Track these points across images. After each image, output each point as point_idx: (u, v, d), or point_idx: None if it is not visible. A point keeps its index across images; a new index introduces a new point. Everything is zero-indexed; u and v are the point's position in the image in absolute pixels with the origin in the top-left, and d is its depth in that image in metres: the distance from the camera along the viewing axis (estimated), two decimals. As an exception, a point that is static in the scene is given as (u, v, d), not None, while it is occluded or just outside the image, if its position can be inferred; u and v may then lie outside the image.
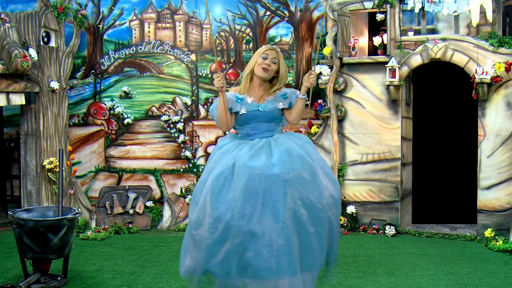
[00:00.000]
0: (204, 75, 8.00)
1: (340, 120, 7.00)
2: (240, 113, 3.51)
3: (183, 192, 7.75)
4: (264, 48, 3.55)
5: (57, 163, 7.06)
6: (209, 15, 3.58)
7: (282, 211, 3.14)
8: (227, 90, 3.56)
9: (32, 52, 6.90)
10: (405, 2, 6.71)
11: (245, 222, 3.12)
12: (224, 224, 3.15)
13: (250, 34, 7.94)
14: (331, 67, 6.97)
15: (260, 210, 3.14)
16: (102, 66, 8.16)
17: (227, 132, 3.70)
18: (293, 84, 7.76)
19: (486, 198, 6.45)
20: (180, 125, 8.00)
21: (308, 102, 3.68)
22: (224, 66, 7.96)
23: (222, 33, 7.97)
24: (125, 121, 8.09)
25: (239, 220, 3.12)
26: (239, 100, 3.53)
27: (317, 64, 7.27)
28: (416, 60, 6.68)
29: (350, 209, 6.86)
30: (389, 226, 6.69)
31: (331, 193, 3.34)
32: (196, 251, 3.25)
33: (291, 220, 3.16)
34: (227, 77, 7.88)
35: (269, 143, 3.42)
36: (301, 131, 7.24)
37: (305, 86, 3.55)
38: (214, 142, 7.99)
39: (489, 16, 6.29)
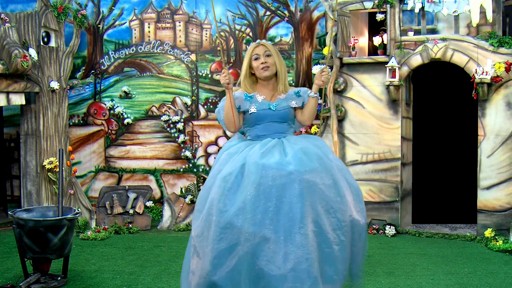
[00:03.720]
0: (204, 75, 8.00)
1: (340, 120, 7.00)
2: (250, 112, 3.20)
3: (183, 192, 7.74)
4: (251, 49, 3.30)
5: (57, 163, 7.06)
6: (214, 14, 3.44)
7: (299, 213, 2.79)
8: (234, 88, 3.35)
9: (32, 52, 6.90)
10: (405, 2, 6.71)
11: (256, 226, 2.77)
12: (232, 229, 2.80)
13: (250, 34, 7.94)
14: (331, 67, 6.97)
15: (274, 212, 2.80)
16: (102, 66, 8.16)
17: (230, 134, 3.52)
18: (293, 84, 7.76)
19: (486, 198, 6.45)
20: (180, 125, 8.00)
21: (320, 101, 3.44)
22: (224, 66, 7.96)
23: (222, 33, 7.97)
24: (125, 121, 8.09)
25: (250, 224, 2.77)
26: (249, 98, 3.23)
27: (316, 64, 7.28)
28: (416, 60, 6.68)
29: (350, 209, 6.85)
30: (389, 226, 6.69)
31: (353, 198, 3.05)
32: (200, 262, 2.90)
33: (310, 224, 2.81)
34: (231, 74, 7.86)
35: (281, 142, 3.12)
36: (301, 131, 7.23)
37: (317, 84, 3.27)
38: (214, 142, 7.99)
39: (489, 16, 6.29)
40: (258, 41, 3.36)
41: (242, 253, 2.78)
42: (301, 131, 7.14)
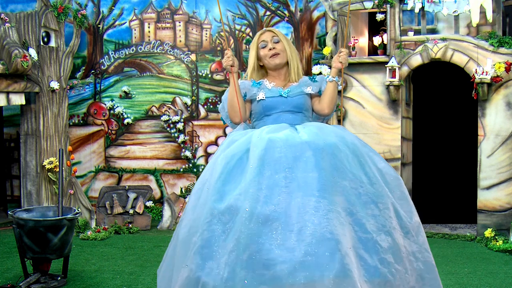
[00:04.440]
0: (204, 75, 8.00)
1: (340, 120, 6.99)
2: (258, 99, 2.74)
3: (183, 192, 7.75)
4: (257, 36, 2.94)
5: (57, 163, 7.06)
6: (208, 15, 3.37)
7: (316, 182, 2.21)
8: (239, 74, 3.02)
9: (32, 52, 6.90)
10: (405, 2, 6.71)
11: (260, 204, 2.18)
12: (229, 208, 2.24)
13: (250, 34, 7.94)
14: (331, 67, 6.95)
15: (284, 186, 2.22)
16: (102, 66, 8.16)
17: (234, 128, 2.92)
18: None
19: (486, 198, 6.45)
20: (180, 125, 8.00)
21: (341, 87, 2.96)
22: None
23: (222, 33, 7.97)
24: (125, 121, 8.09)
25: (253, 202, 2.19)
26: (257, 84, 2.81)
27: (316, 64, 7.27)
28: (416, 60, 6.68)
29: (350, 209, 6.85)
30: (389, 226, 6.68)
31: (391, 173, 2.51)
32: (189, 257, 2.30)
33: (336, 196, 2.20)
34: (227, 77, 7.88)
35: (294, 126, 2.64)
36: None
37: (335, 67, 2.89)
38: (214, 142, 7.99)
39: (489, 16, 6.29)
40: (264, 28, 3.02)
41: (241, 239, 2.16)
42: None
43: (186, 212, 2.53)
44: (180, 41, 8.07)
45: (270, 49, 2.84)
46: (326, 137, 2.42)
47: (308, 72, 7.68)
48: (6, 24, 6.82)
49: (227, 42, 3.39)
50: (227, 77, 7.88)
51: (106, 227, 6.77)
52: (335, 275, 2.02)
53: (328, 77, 2.88)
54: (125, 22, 8.14)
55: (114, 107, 8.12)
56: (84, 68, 8.19)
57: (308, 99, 2.82)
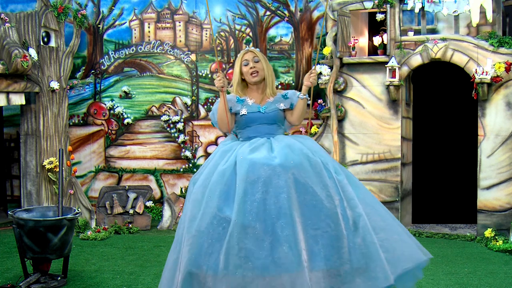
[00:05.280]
0: (204, 75, 8.00)
1: (340, 120, 7.00)
2: (241, 114, 3.42)
3: (183, 192, 7.75)
4: (241, 56, 3.50)
5: (57, 163, 7.06)
6: (209, 14, 3.54)
7: (285, 203, 2.97)
8: (228, 92, 3.51)
9: (32, 52, 6.90)
10: (405, 2, 6.71)
11: (245, 216, 2.95)
12: (225, 219, 3.00)
13: (250, 34, 7.94)
14: (331, 67, 6.97)
15: (260, 202, 2.98)
16: (102, 66, 8.16)
17: (227, 134, 3.61)
18: (293, 84, 7.76)
19: (486, 198, 6.45)
20: (180, 125, 8.00)
21: (309, 102, 3.58)
22: (224, 66, 7.97)
23: (222, 33, 7.98)
24: (125, 121, 8.09)
25: (239, 214, 2.95)
26: (240, 101, 3.45)
27: (317, 64, 7.27)
28: (416, 60, 6.68)
29: (350, 209, 6.85)
30: (389, 226, 6.68)
31: (336, 191, 3.14)
32: (192, 249, 3.01)
33: (295, 212, 2.97)
34: (227, 77, 7.88)
35: (270, 141, 3.34)
36: (301, 131, 7.24)
37: (306, 85, 3.46)
38: (214, 142, 7.99)
39: (489, 16, 6.30)
40: (247, 48, 3.55)
41: (232, 241, 2.92)
42: (301, 131, 7.15)
43: (190, 215, 3.16)
44: (180, 41, 8.07)
45: (251, 68, 3.44)
46: (294, 157, 3.12)
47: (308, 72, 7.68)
48: (6, 24, 6.83)
49: (219, 66, 3.85)
50: (226, 76, 7.89)
51: (106, 227, 6.77)
52: (294, 271, 2.87)
53: (299, 94, 3.48)
54: (125, 22, 8.14)
55: (114, 107, 8.12)
56: (84, 68, 8.19)
57: (281, 113, 3.48)
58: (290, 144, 3.24)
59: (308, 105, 3.58)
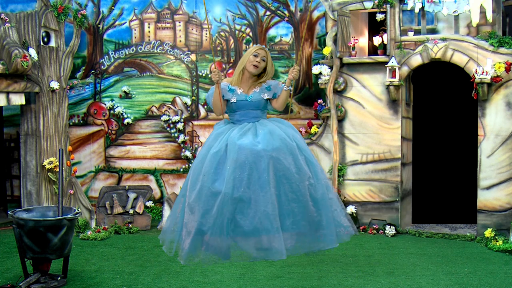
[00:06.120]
0: (204, 75, 8.00)
1: (340, 120, 7.00)
2: (231, 101, 4.06)
3: (183, 192, 7.73)
4: (255, 48, 4.06)
5: (57, 163, 7.06)
6: (208, 15, 3.70)
7: (266, 181, 3.68)
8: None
9: (32, 52, 6.90)
10: (405, 2, 6.71)
11: (235, 191, 3.65)
12: (218, 194, 3.66)
13: (250, 34, 7.94)
14: (331, 67, 6.97)
15: (247, 180, 3.68)
16: (102, 66, 8.16)
17: (221, 117, 4.19)
18: (293, 83, 7.74)
19: (486, 198, 6.45)
20: (180, 125, 8.00)
21: (291, 92, 4.25)
22: (224, 66, 7.97)
23: (222, 33, 7.98)
24: (125, 121, 8.09)
25: (230, 189, 3.65)
26: (231, 91, 4.08)
27: (316, 64, 7.27)
28: (416, 60, 6.68)
29: (350, 209, 6.86)
30: (389, 226, 6.69)
31: (309, 169, 3.84)
32: (193, 216, 3.73)
33: (273, 188, 3.69)
34: (227, 77, 7.87)
35: (255, 126, 3.99)
36: (301, 131, 7.24)
37: (289, 78, 4.10)
38: (214, 142, 7.99)
39: (489, 16, 6.30)
40: (263, 46, 4.15)
41: (225, 210, 3.64)
42: (301, 131, 7.15)
43: (191, 187, 3.89)
44: (180, 41, 8.07)
45: (256, 61, 4.04)
46: (274, 142, 3.81)
47: (308, 72, 7.69)
48: (6, 24, 6.83)
49: (218, 67, 4.14)
50: (226, 76, 7.89)
51: (106, 227, 6.77)
52: (272, 233, 3.64)
53: (283, 85, 4.14)
54: (125, 22, 8.14)
55: (114, 107, 8.12)
56: (84, 68, 8.19)
57: (264, 101, 4.12)
58: (272, 130, 3.91)
59: (290, 94, 4.22)
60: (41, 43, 7.12)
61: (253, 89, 4.12)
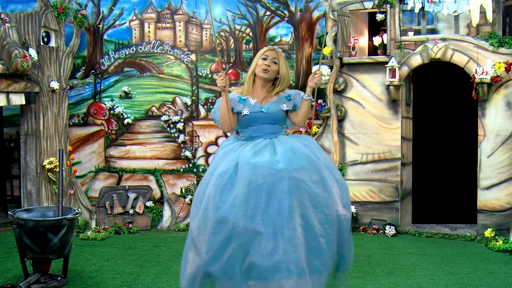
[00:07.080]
0: (204, 75, 8.00)
1: (340, 120, 7.00)
2: (243, 114, 3.39)
3: (183, 192, 7.74)
4: (264, 49, 3.48)
5: (57, 163, 7.06)
6: (210, 14, 3.54)
7: (288, 208, 2.99)
8: (229, 91, 3.46)
9: (32, 52, 6.90)
10: (405, 2, 6.71)
11: (248, 221, 2.96)
12: (226, 223, 2.99)
13: (250, 34, 7.94)
14: (331, 67, 6.97)
15: (264, 207, 2.98)
16: (102, 66, 8.16)
17: (228, 134, 3.57)
18: (293, 84, 7.76)
19: (486, 198, 6.45)
20: (180, 125, 8.00)
21: (313, 103, 3.55)
22: (224, 66, 7.97)
23: (222, 33, 7.98)
24: (125, 121, 8.09)
25: (242, 219, 2.96)
26: (242, 101, 3.42)
27: (316, 64, 7.27)
28: (416, 60, 6.68)
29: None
30: (389, 226, 6.69)
31: (339, 194, 3.23)
32: (198, 254, 3.09)
33: (298, 218, 3.00)
34: (227, 77, 7.87)
35: (273, 142, 3.30)
36: (301, 131, 7.24)
37: (310, 86, 3.46)
38: (214, 142, 7.99)
39: (489, 16, 6.29)
40: (275, 46, 3.61)
41: (235, 246, 2.97)
42: (301, 131, 7.15)
43: (193, 216, 3.25)
44: (180, 41, 8.07)
45: (266, 64, 3.40)
46: (297, 162, 3.11)
47: (308, 72, 7.68)
48: (6, 24, 6.83)
49: (220, 66, 3.79)
50: (226, 76, 7.88)
51: (106, 227, 6.77)
52: (296, 276, 2.95)
53: (303, 94, 3.46)
54: (125, 22, 8.14)
55: (114, 107, 8.12)
56: (84, 68, 8.19)
57: (283, 113, 3.44)
58: (294, 147, 3.21)
59: (312, 105, 3.54)
60: (41, 43, 7.12)
61: (269, 99, 3.43)
